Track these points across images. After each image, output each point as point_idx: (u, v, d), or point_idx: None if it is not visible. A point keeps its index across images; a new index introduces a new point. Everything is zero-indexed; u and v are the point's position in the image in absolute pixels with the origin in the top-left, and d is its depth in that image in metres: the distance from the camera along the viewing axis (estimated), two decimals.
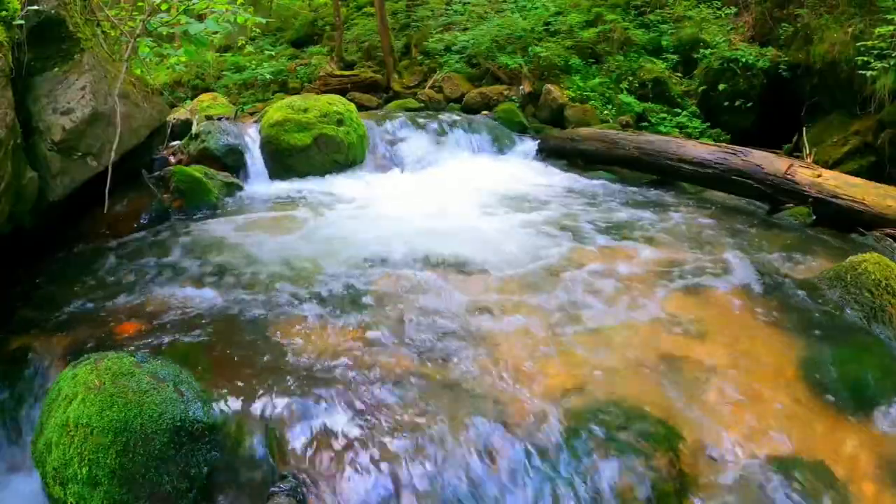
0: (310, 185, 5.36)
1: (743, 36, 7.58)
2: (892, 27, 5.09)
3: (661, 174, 5.50)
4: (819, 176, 4.45)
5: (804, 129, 6.02)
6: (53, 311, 3.05)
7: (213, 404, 2.23)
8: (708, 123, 6.98)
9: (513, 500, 1.97)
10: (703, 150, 5.13)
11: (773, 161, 4.71)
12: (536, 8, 8.60)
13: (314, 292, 3.11)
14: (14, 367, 2.62)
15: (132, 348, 2.58)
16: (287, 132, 5.54)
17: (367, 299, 3.04)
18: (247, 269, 3.43)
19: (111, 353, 2.36)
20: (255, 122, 6.05)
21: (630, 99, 7.26)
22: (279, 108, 5.75)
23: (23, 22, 3.50)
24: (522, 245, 3.77)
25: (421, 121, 6.74)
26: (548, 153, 6.45)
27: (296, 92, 8.34)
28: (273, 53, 10.02)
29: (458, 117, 7.08)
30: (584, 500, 1.94)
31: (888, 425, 2.25)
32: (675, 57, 7.68)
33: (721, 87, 6.94)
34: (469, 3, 9.52)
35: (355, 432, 2.15)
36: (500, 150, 6.70)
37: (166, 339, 2.70)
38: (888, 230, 4.02)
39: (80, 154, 3.77)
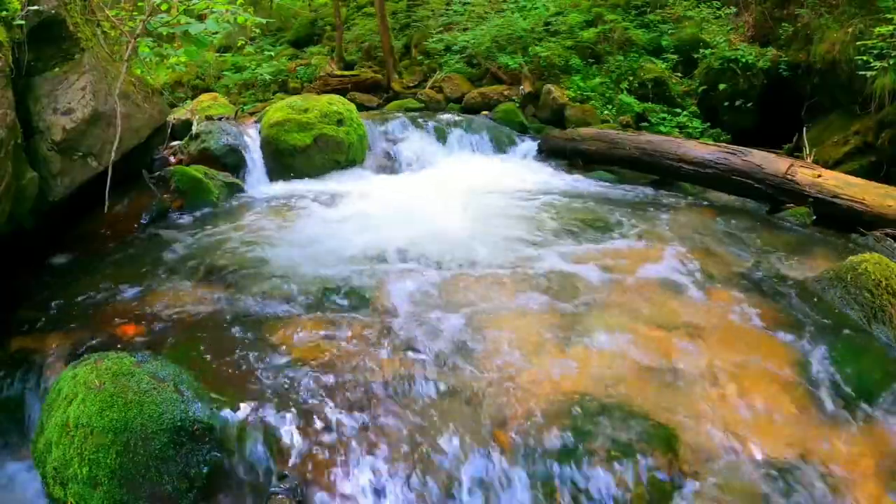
0: (310, 185, 5.36)
1: (743, 36, 7.58)
2: (891, 27, 5.08)
3: (662, 174, 5.50)
4: (819, 176, 4.46)
5: (804, 128, 6.02)
6: (54, 311, 3.05)
7: (213, 404, 2.23)
8: (708, 123, 6.98)
9: (513, 501, 1.97)
10: (703, 150, 5.13)
11: (774, 161, 4.71)
12: (536, 8, 8.59)
13: (314, 292, 3.11)
14: (14, 368, 2.62)
15: (132, 348, 2.58)
16: (287, 132, 5.55)
17: (367, 300, 3.04)
18: (247, 270, 3.43)
19: (111, 353, 2.36)
20: (256, 122, 6.05)
21: (630, 99, 7.25)
22: (279, 109, 5.75)
23: (23, 22, 3.50)
24: (522, 245, 3.77)
25: (421, 121, 6.74)
26: (548, 153, 6.45)
27: (296, 92, 8.33)
28: (273, 54, 10.02)
29: (458, 117, 7.07)
30: (585, 500, 1.94)
31: (888, 425, 2.25)
32: (675, 57, 7.68)
33: (721, 87, 6.94)
34: (469, 3, 9.52)
35: (355, 433, 2.16)
36: (501, 150, 6.69)
37: (166, 339, 2.70)
38: (888, 230, 4.02)
39: (80, 154, 3.77)
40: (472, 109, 7.75)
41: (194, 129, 5.53)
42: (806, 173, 4.50)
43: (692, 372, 2.46)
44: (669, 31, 8.08)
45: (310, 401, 2.28)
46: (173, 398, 2.15)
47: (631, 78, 7.56)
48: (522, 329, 2.76)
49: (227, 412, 2.22)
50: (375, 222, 4.29)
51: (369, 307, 2.97)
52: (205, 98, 7.23)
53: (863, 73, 5.27)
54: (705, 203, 4.90)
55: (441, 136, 6.59)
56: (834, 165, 5.32)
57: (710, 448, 2.09)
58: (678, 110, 7.16)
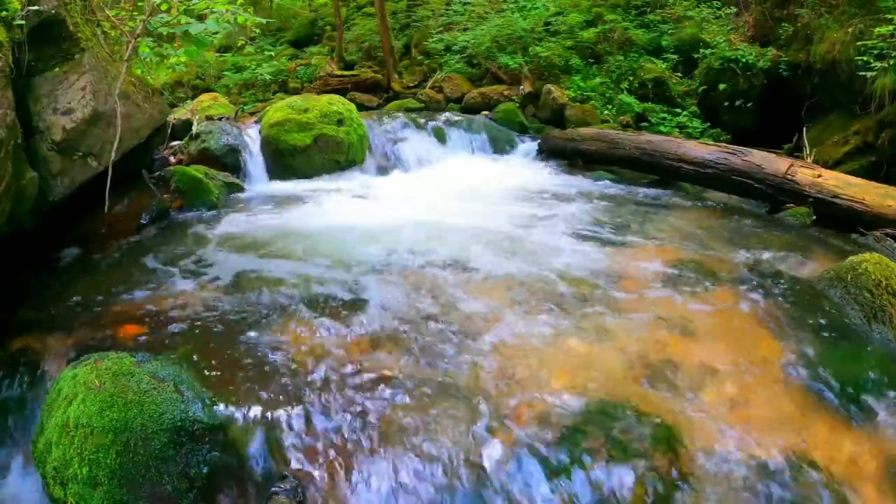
0: (310, 186, 5.36)
1: (743, 36, 7.58)
2: (891, 27, 5.08)
3: (662, 174, 5.50)
4: (819, 176, 4.46)
5: (804, 128, 6.03)
6: (53, 311, 3.05)
7: (214, 404, 2.23)
8: (708, 123, 6.98)
9: (512, 502, 1.97)
10: (703, 150, 5.13)
11: (774, 161, 4.71)
12: (536, 8, 8.60)
13: (314, 293, 3.11)
14: (14, 368, 2.62)
15: (132, 348, 2.58)
16: (287, 132, 5.55)
17: (366, 300, 3.04)
18: (247, 270, 3.43)
19: (111, 353, 2.36)
20: (256, 122, 6.05)
21: (630, 99, 7.26)
22: (279, 109, 5.75)
23: (23, 22, 3.50)
24: (521, 245, 3.77)
25: (421, 121, 6.74)
26: (548, 153, 6.45)
27: (296, 92, 8.34)
28: (273, 53, 10.03)
29: (458, 117, 7.07)
30: (585, 500, 1.94)
31: (888, 426, 2.25)
32: (675, 57, 7.68)
33: (721, 87, 6.95)
34: (469, 3, 9.52)
35: (355, 434, 2.16)
36: (500, 150, 6.70)
37: (166, 340, 2.70)
38: (888, 230, 4.03)
39: (80, 154, 3.77)
40: (472, 109, 7.75)
41: (194, 129, 5.53)
42: (806, 173, 4.50)
43: (692, 371, 2.46)
44: (669, 31, 8.08)
45: (310, 400, 2.28)
46: (173, 398, 2.15)
47: (631, 78, 7.57)
48: (523, 328, 2.76)
49: (227, 412, 2.22)
50: (375, 223, 4.29)
51: (370, 307, 2.97)
52: (205, 98, 7.24)
53: (863, 73, 5.27)
54: (705, 203, 4.91)
55: (441, 137, 6.60)
56: (834, 165, 5.33)
57: (710, 448, 2.09)
58: (678, 110, 7.16)
